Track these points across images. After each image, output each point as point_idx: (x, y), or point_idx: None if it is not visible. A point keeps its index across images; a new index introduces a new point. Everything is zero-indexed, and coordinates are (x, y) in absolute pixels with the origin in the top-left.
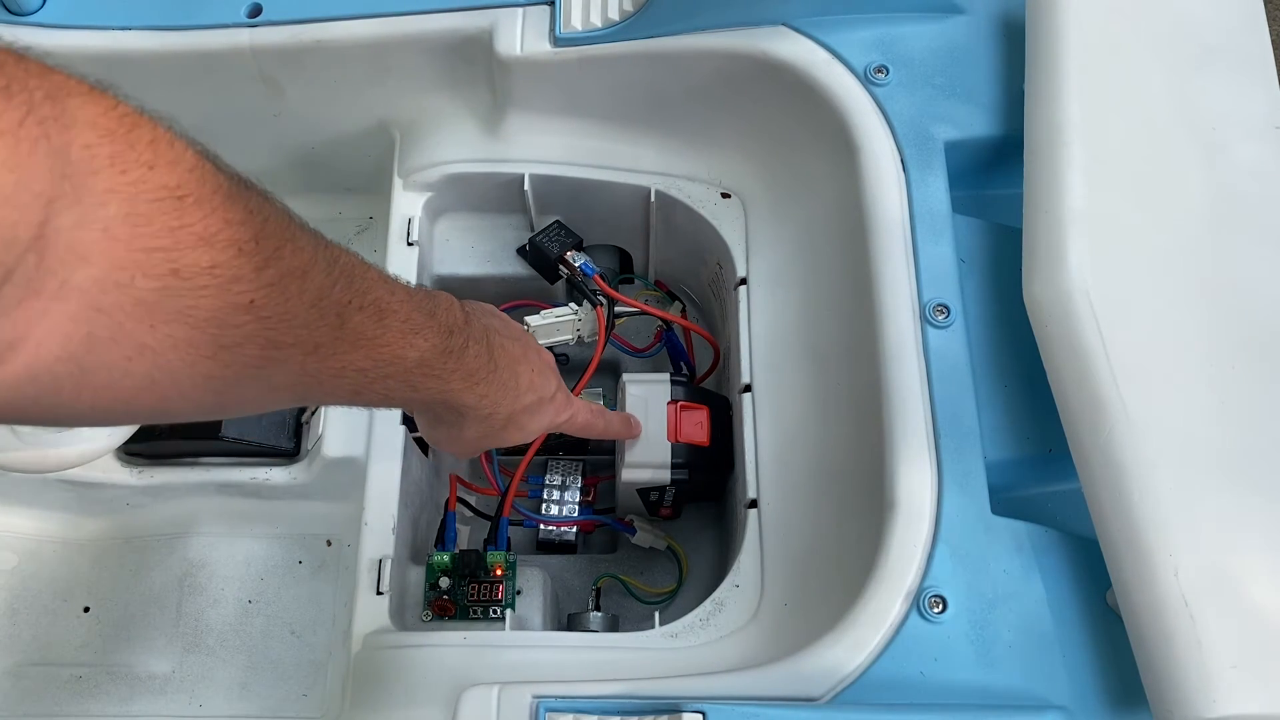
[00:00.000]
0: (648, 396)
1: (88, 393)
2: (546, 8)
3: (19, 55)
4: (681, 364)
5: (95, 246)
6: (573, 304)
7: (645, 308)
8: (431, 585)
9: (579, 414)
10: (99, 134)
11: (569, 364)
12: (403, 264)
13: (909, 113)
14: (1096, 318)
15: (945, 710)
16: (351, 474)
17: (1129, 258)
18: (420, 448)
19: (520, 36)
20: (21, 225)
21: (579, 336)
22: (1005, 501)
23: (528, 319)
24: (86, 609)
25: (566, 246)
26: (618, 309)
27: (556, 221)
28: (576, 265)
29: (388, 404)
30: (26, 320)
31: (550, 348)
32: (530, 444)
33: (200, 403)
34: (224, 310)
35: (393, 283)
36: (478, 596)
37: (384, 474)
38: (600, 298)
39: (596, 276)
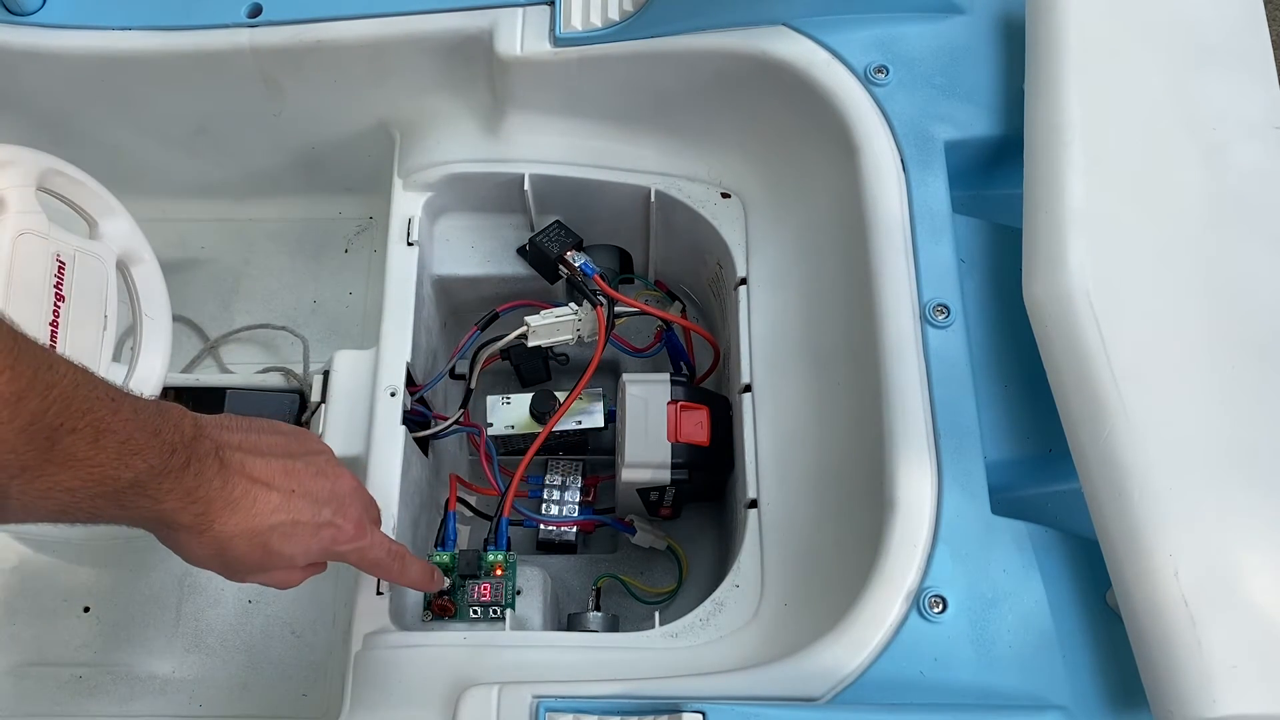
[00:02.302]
0: (648, 396)
1: None
2: (546, 8)
3: None
4: (681, 364)
5: None
6: (573, 304)
7: (645, 308)
8: None
9: (372, 550)
10: None
11: (569, 364)
12: (403, 264)
13: (909, 113)
14: (1096, 318)
15: (945, 710)
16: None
17: (1129, 258)
18: (420, 448)
19: (520, 36)
20: None
21: (579, 336)
22: (1005, 501)
23: (527, 319)
24: (86, 609)
25: (566, 246)
26: (618, 309)
27: (556, 221)
28: (576, 265)
29: (93, 521)
30: None
31: (550, 347)
32: (530, 445)
33: None
34: None
35: (119, 400)
36: (477, 596)
37: (384, 474)
38: (600, 298)
39: (596, 276)
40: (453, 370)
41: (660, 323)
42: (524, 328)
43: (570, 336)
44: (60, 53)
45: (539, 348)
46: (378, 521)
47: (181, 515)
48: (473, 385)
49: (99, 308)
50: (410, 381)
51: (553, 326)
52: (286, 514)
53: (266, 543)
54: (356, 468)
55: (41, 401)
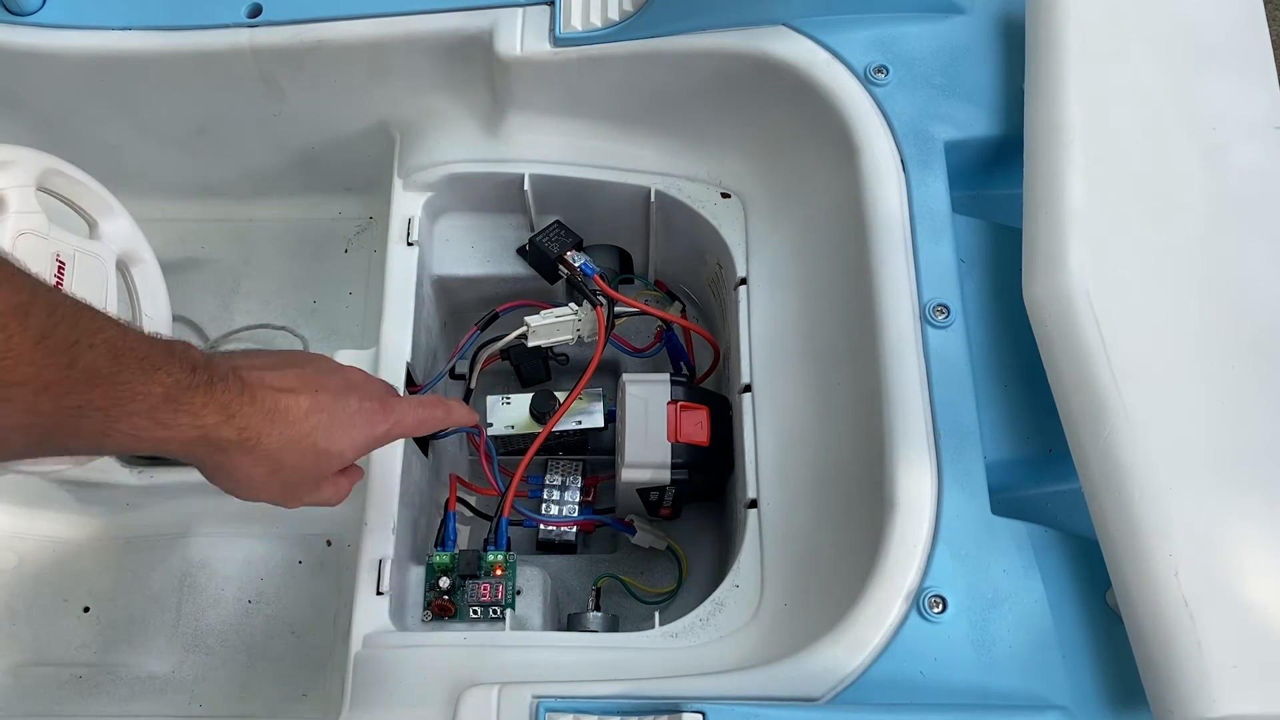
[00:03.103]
0: (648, 396)
1: None
2: (546, 8)
3: None
4: (681, 364)
5: None
6: (572, 304)
7: (645, 308)
8: (431, 585)
9: (407, 414)
10: None
11: (569, 364)
12: (403, 264)
13: (909, 113)
14: (1096, 318)
15: (945, 710)
16: None
17: (1129, 258)
18: (420, 448)
19: (520, 36)
20: None
21: (579, 336)
22: (1005, 501)
23: (527, 319)
24: (86, 609)
25: (566, 246)
26: (618, 309)
27: (556, 221)
28: (576, 265)
29: (142, 446)
30: None
31: (550, 347)
32: (530, 445)
33: None
34: None
35: (127, 326)
36: (477, 596)
37: (384, 474)
38: (600, 298)
39: (596, 276)
40: (453, 370)
41: (660, 323)
42: (524, 328)
43: (570, 336)
44: (60, 53)
45: (539, 348)
46: (393, 392)
47: (225, 430)
48: (473, 385)
49: (99, 307)
50: (410, 381)
51: (553, 326)
52: (320, 412)
53: (314, 445)
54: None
55: (49, 316)
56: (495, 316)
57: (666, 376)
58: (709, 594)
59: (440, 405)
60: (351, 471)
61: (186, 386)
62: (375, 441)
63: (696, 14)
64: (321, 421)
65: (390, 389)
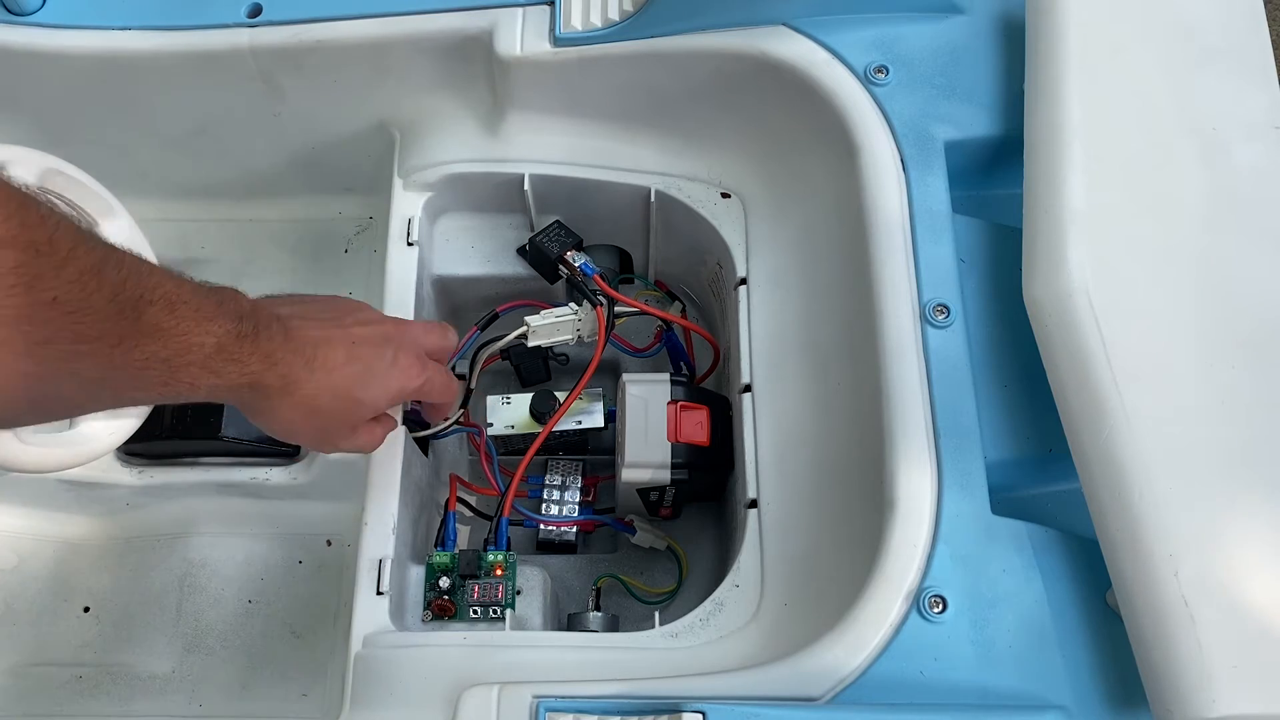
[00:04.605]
0: (648, 396)
1: None
2: (546, 8)
3: None
4: (681, 364)
5: None
6: (572, 304)
7: (645, 308)
8: (431, 585)
9: (436, 377)
10: None
11: (569, 364)
12: (403, 264)
13: (909, 113)
14: (1096, 318)
15: (945, 710)
16: (351, 474)
17: (1129, 258)
18: (420, 448)
19: (520, 36)
20: None
21: (579, 336)
22: (1005, 501)
23: (527, 319)
24: (86, 609)
25: (566, 246)
26: (617, 309)
27: (556, 221)
28: (576, 265)
29: (196, 394)
30: None
31: (550, 347)
32: (530, 445)
33: (19, 400)
34: (32, 307)
35: (178, 278)
36: (477, 596)
37: (384, 474)
38: (600, 297)
39: (596, 276)
40: (452, 370)
41: (660, 323)
42: (524, 328)
43: (570, 337)
44: (60, 53)
45: (539, 348)
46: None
47: (268, 377)
48: (473, 385)
49: None
50: None
51: (553, 326)
52: (357, 362)
53: (350, 392)
54: (356, 468)
55: (119, 272)
56: (495, 316)
57: (666, 376)
58: (709, 594)
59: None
60: (385, 420)
61: (235, 336)
62: (406, 395)
63: (696, 14)
64: (357, 372)
65: (422, 346)
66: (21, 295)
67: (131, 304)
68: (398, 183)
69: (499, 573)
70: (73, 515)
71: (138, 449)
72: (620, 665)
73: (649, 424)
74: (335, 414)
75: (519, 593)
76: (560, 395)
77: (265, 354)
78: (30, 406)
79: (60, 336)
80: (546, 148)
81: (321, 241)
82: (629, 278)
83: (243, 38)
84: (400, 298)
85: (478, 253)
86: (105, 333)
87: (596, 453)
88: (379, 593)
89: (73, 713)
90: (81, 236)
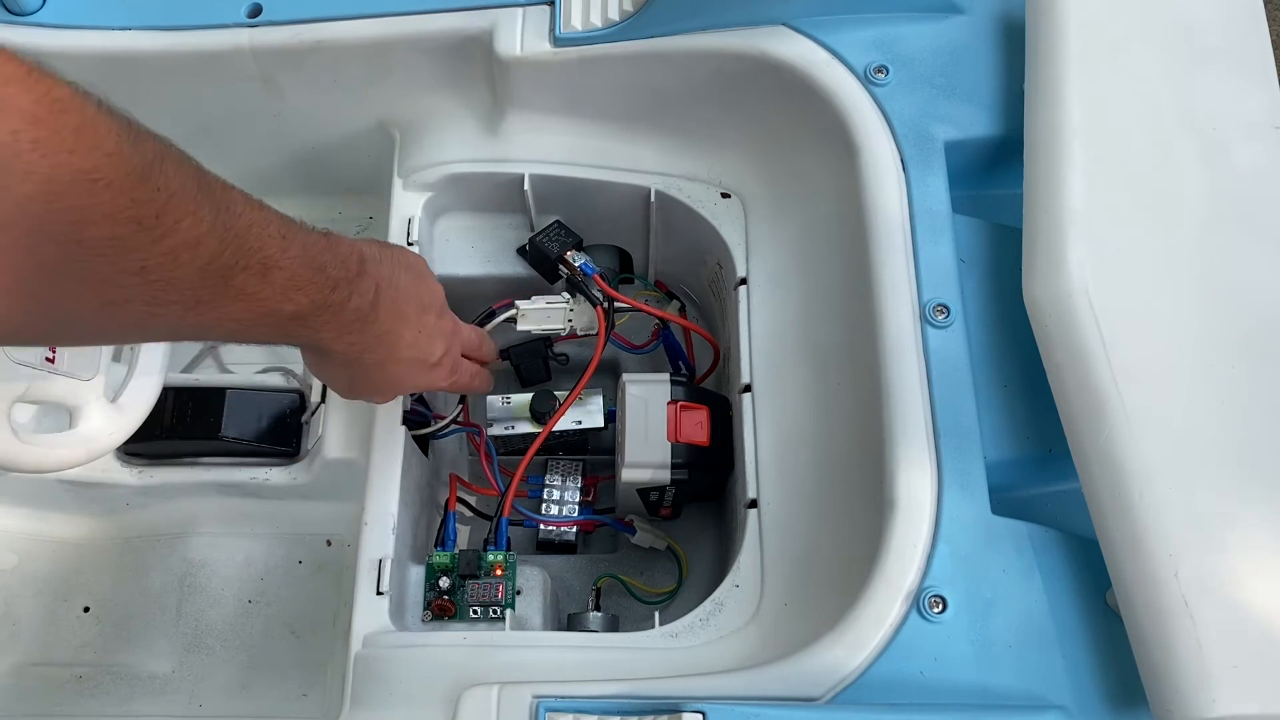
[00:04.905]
0: (648, 396)
1: None
2: (546, 8)
3: None
4: (680, 363)
5: (8, 219)
6: (566, 293)
7: (644, 307)
8: (431, 585)
9: (461, 377)
10: (27, 121)
11: (569, 364)
12: None
13: (909, 113)
14: (1096, 318)
15: (945, 710)
16: (351, 474)
17: (1129, 257)
18: (420, 448)
19: (520, 36)
20: None
21: (571, 328)
22: (1005, 501)
23: (518, 302)
24: (86, 609)
25: (566, 246)
26: (617, 307)
27: (556, 221)
28: (576, 265)
29: (257, 343)
30: None
31: (550, 347)
32: (530, 445)
33: (84, 340)
34: (117, 274)
35: (290, 237)
36: (477, 596)
37: (384, 474)
38: (597, 292)
39: (596, 276)
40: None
41: (657, 321)
42: (514, 310)
43: (561, 326)
44: (60, 53)
45: (539, 347)
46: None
47: (336, 344)
48: None
49: None
50: None
51: (543, 312)
52: (416, 351)
53: (396, 375)
54: (356, 468)
55: (219, 244)
56: (492, 314)
57: (666, 376)
58: (709, 594)
59: (478, 377)
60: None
61: (319, 306)
62: (431, 388)
63: (696, 14)
64: (410, 360)
65: (466, 348)
66: (109, 263)
67: (221, 272)
68: (397, 183)
69: (499, 573)
70: (73, 515)
71: (138, 449)
72: (620, 665)
73: (649, 424)
74: (377, 385)
75: (519, 593)
76: (560, 395)
77: (342, 324)
78: (93, 342)
79: (137, 299)
80: (546, 148)
81: None
82: (629, 277)
83: (243, 38)
84: None
85: (477, 253)
86: (184, 298)
87: (596, 453)
88: (379, 593)
89: (73, 713)
90: (193, 208)
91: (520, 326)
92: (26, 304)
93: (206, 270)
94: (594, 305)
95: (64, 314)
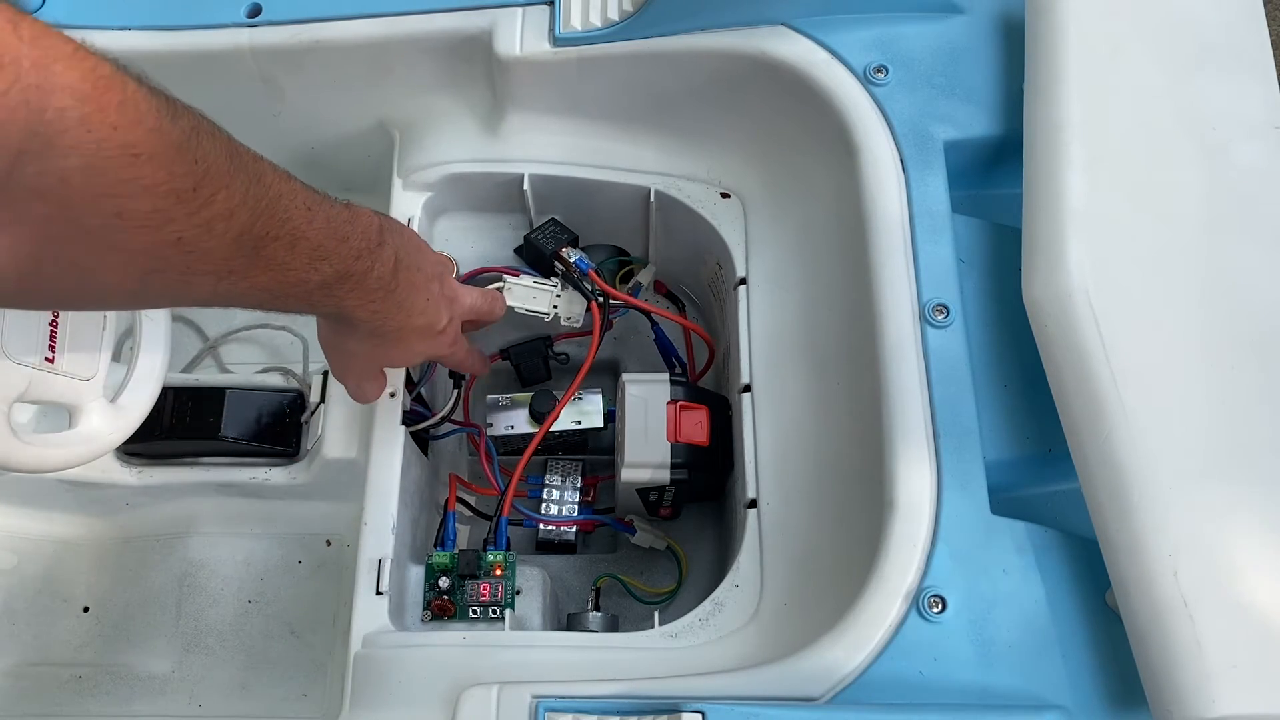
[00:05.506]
0: (647, 396)
1: (27, 288)
2: (546, 8)
3: (15, 20)
4: (673, 359)
5: (51, 191)
6: (555, 278)
7: (638, 302)
8: (431, 585)
9: (459, 350)
10: (74, 98)
11: (569, 363)
12: None
13: (909, 113)
14: (1096, 318)
15: (945, 710)
16: (351, 474)
17: (1129, 258)
18: (420, 448)
19: (520, 36)
20: None
21: (556, 314)
22: (1005, 501)
23: (506, 276)
24: (86, 609)
25: (562, 243)
26: (612, 303)
27: (552, 219)
28: (571, 260)
29: (284, 311)
30: None
31: (550, 346)
32: (531, 441)
33: (118, 305)
34: (155, 245)
35: (314, 208)
36: (477, 596)
37: (384, 474)
38: (586, 284)
39: (591, 272)
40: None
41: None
42: (500, 283)
43: (546, 310)
44: None
45: (539, 347)
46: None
47: (360, 312)
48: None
49: None
50: (409, 380)
51: (529, 291)
52: (425, 318)
53: (408, 340)
54: (356, 468)
55: (251, 215)
56: (482, 276)
57: (666, 376)
58: (709, 594)
59: (474, 355)
60: (382, 379)
61: (343, 276)
62: (437, 356)
63: (696, 14)
64: (421, 327)
65: (467, 314)
66: (148, 235)
67: (253, 243)
68: (397, 182)
69: (498, 573)
70: (72, 515)
71: (137, 449)
72: (620, 665)
73: (649, 424)
74: (389, 352)
75: (519, 593)
76: (560, 395)
77: (365, 292)
78: (128, 306)
79: (173, 269)
80: (546, 147)
81: None
82: (629, 260)
83: (242, 38)
84: None
85: (477, 253)
86: (217, 268)
87: (596, 453)
88: (379, 593)
89: (72, 713)
90: (227, 180)
91: (507, 301)
92: (67, 273)
93: (239, 241)
94: (588, 300)
95: (101, 284)
